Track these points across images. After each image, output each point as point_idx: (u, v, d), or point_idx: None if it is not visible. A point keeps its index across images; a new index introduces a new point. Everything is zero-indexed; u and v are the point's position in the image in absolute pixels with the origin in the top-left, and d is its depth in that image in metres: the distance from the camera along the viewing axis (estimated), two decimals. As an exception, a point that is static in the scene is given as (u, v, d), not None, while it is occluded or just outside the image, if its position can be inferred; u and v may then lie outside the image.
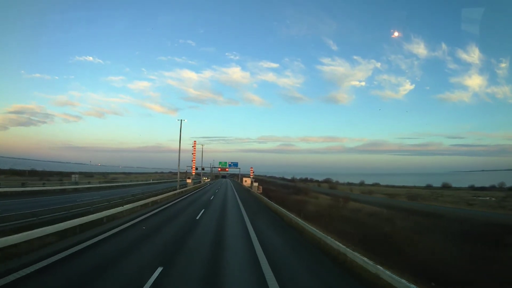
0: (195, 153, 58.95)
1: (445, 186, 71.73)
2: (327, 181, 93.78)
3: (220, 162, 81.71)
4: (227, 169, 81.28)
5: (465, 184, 72.40)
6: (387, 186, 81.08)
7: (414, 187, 76.26)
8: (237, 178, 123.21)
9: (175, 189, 36.67)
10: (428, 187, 73.83)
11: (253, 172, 61.36)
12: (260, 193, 42.82)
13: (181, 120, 41.67)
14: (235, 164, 79.10)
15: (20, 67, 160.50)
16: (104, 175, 78.02)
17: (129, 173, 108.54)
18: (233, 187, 67.19)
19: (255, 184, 49.17)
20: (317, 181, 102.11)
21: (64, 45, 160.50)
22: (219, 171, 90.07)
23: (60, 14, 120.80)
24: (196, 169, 74.09)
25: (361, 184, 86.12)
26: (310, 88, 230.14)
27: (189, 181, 59.13)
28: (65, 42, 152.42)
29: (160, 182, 74.82)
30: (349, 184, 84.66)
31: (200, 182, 75.29)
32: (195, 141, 61.49)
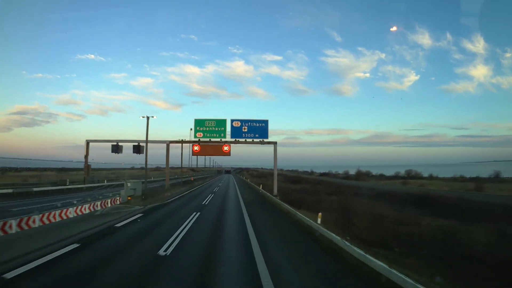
0: None
1: None
2: (410, 176, 46.81)
3: (197, 121, 27.12)
4: (227, 149, 27.41)
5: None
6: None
7: None
8: (257, 176, 58.78)
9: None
10: None
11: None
12: None
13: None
14: (262, 130, 25.24)
15: (21, 67, 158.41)
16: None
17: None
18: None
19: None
20: (373, 175, 54.76)
21: (65, 44, 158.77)
22: (194, 151, 30.01)
23: (60, 13, 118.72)
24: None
25: (463, 179, 42.82)
26: (314, 80, 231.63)
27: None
28: (66, 41, 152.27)
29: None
30: (476, 180, 39.04)
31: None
32: None
